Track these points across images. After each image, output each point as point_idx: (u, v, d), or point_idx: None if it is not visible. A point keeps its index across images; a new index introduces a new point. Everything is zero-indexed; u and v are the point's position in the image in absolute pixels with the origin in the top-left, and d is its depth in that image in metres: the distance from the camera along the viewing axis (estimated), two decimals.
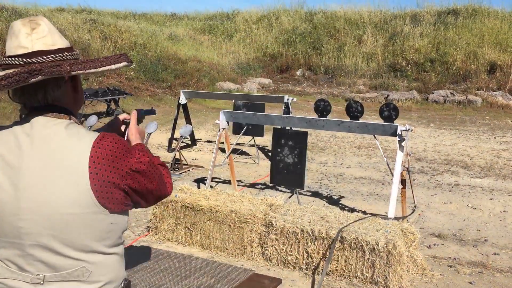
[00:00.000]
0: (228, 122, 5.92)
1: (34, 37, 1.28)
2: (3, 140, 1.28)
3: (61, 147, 1.26)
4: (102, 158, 1.27)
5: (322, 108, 5.92)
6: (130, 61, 1.45)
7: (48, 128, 1.28)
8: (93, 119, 7.79)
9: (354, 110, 5.69)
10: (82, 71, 1.29)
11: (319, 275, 3.80)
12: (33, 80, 1.21)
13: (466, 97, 14.93)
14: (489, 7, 19.55)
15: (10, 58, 1.27)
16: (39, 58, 1.27)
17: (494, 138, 10.39)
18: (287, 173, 5.45)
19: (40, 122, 1.29)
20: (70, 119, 1.35)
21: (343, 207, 5.67)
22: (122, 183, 1.30)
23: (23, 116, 1.35)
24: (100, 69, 1.34)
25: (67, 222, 1.25)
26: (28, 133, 1.28)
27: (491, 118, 13.09)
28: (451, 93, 15.31)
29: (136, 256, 2.62)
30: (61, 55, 1.31)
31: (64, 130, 1.29)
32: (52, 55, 1.29)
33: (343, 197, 6.21)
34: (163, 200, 4.53)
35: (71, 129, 1.31)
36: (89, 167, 1.25)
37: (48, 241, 1.25)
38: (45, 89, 1.32)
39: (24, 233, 1.25)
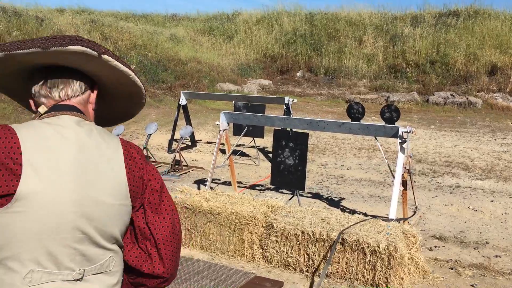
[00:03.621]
0: (228, 123, 5.91)
1: None
2: (46, 135, 1.27)
3: (98, 142, 1.31)
4: (131, 154, 1.36)
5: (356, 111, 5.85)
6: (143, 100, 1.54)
7: (82, 126, 1.31)
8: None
9: (355, 112, 5.68)
10: (112, 58, 1.33)
11: (319, 277, 3.78)
12: (70, 47, 1.25)
13: (467, 98, 14.91)
14: (490, 9, 19.54)
15: None
16: None
17: (495, 140, 10.37)
18: (288, 174, 5.43)
19: (74, 120, 1.32)
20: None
21: (343, 209, 5.65)
22: (146, 178, 1.38)
23: (39, 116, 1.35)
24: (123, 67, 1.39)
25: (108, 213, 1.28)
26: (67, 129, 1.29)
27: (491, 120, 13.07)
28: (451, 95, 15.29)
29: None
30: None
31: (95, 130, 1.34)
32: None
33: (343, 198, 6.19)
34: None
35: (100, 129, 1.37)
36: (124, 160, 1.33)
37: (91, 231, 1.26)
38: (70, 85, 1.35)
39: (72, 225, 1.23)
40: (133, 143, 1.43)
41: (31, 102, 1.39)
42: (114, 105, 1.57)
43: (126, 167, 1.33)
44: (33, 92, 1.37)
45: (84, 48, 1.28)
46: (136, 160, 1.37)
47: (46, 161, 1.23)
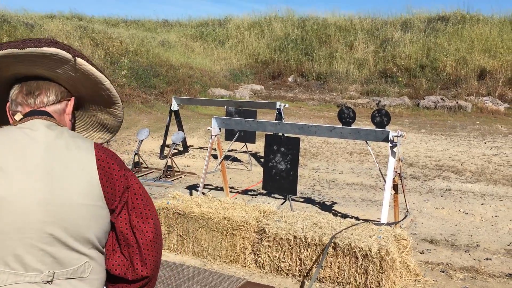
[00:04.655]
0: (220, 129, 5.91)
1: None
2: (14, 138, 1.29)
3: (68, 145, 1.31)
4: (105, 156, 1.35)
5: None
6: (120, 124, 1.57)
7: (53, 130, 1.33)
8: None
9: (346, 116, 5.71)
10: (85, 61, 1.36)
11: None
12: (45, 48, 1.28)
13: (457, 102, 15.04)
14: (478, 13, 19.77)
15: None
16: None
17: (485, 143, 10.46)
18: (280, 179, 5.44)
19: (44, 124, 1.33)
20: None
21: (335, 213, 5.66)
22: (124, 181, 1.36)
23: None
24: (99, 73, 1.40)
25: (79, 213, 1.27)
26: (36, 131, 1.31)
27: (481, 124, 13.19)
28: (441, 99, 15.42)
29: None
30: None
31: (66, 132, 1.35)
32: None
33: (335, 203, 6.20)
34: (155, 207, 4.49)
35: (72, 132, 1.39)
36: (96, 163, 1.32)
37: (60, 233, 1.25)
38: (46, 93, 1.37)
39: (38, 226, 1.23)
40: (110, 149, 1.42)
41: (8, 110, 1.40)
42: (93, 120, 1.58)
43: (98, 168, 1.32)
44: (9, 100, 1.39)
45: (58, 50, 1.29)
46: (112, 161, 1.36)
47: (13, 162, 1.24)
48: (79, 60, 1.34)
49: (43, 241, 1.24)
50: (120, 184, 1.35)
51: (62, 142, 1.31)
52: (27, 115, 1.35)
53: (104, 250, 1.37)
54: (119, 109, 1.52)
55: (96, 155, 1.34)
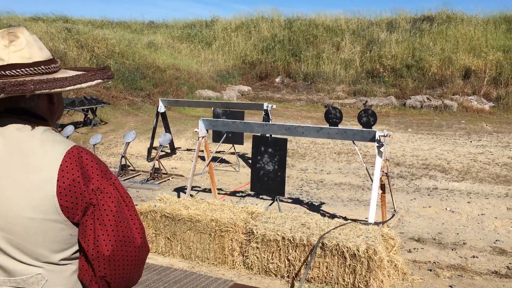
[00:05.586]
0: (207, 130, 5.88)
1: (11, 49, 1.29)
2: None
3: (32, 151, 1.26)
4: (72, 167, 1.27)
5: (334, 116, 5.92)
6: (108, 77, 1.42)
7: (23, 132, 1.27)
8: (69, 129, 7.70)
9: (333, 117, 5.73)
10: (47, 91, 1.28)
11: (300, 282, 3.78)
12: None
13: (442, 102, 15.20)
14: (463, 13, 20.00)
15: None
16: (13, 71, 1.27)
17: (470, 142, 10.58)
18: (268, 180, 5.43)
19: (16, 125, 1.28)
20: (46, 126, 1.33)
21: (323, 214, 5.67)
22: (88, 196, 1.28)
23: None
24: (68, 88, 1.32)
25: (26, 227, 1.23)
26: (5, 132, 1.27)
27: (467, 122, 13.34)
28: (427, 98, 15.56)
29: None
30: (36, 68, 1.30)
31: (39, 136, 1.28)
32: (27, 69, 1.29)
33: (323, 203, 6.21)
34: (142, 211, 4.46)
35: (47, 135, 1.30)
36: (58, 173, 1.25)
37: (3, 245, 1.23)
38: (17, 101, 1.31)
39: None
40: (92, 155, 1.33)
41: None
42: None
43: (59, 180, 1.24)
44: None
45: (8, 94, 1.23)
46: (78, 174, 1.27)
47: None
48: (37, 92, 1.26)
49: None
50: (84, 199, 1.27)
51: (27, 146, 1.26)
52: (7, 111, 1.30)
53: (69, 260, 1.31)
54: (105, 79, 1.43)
55: (61, 165, 1.25)
